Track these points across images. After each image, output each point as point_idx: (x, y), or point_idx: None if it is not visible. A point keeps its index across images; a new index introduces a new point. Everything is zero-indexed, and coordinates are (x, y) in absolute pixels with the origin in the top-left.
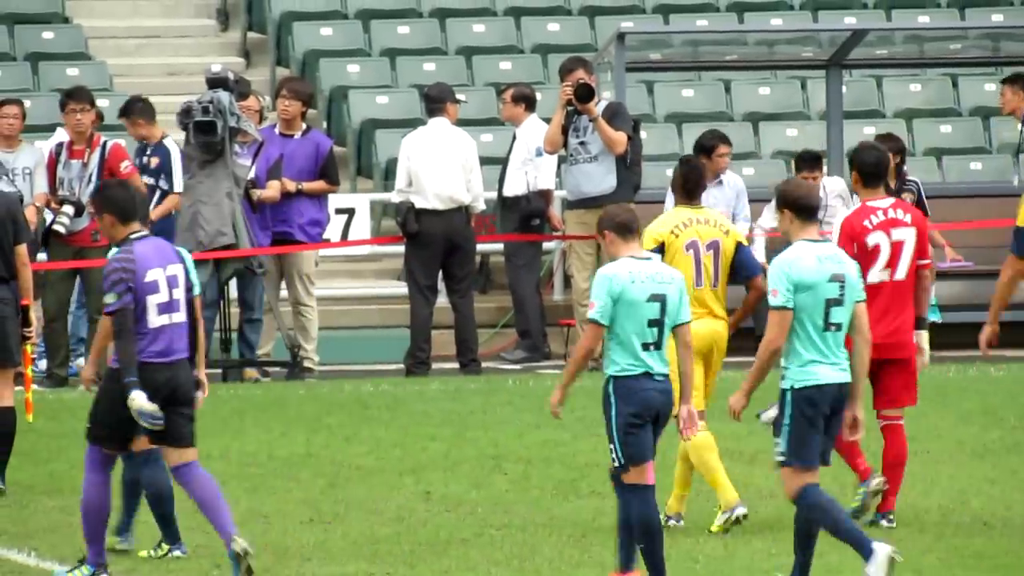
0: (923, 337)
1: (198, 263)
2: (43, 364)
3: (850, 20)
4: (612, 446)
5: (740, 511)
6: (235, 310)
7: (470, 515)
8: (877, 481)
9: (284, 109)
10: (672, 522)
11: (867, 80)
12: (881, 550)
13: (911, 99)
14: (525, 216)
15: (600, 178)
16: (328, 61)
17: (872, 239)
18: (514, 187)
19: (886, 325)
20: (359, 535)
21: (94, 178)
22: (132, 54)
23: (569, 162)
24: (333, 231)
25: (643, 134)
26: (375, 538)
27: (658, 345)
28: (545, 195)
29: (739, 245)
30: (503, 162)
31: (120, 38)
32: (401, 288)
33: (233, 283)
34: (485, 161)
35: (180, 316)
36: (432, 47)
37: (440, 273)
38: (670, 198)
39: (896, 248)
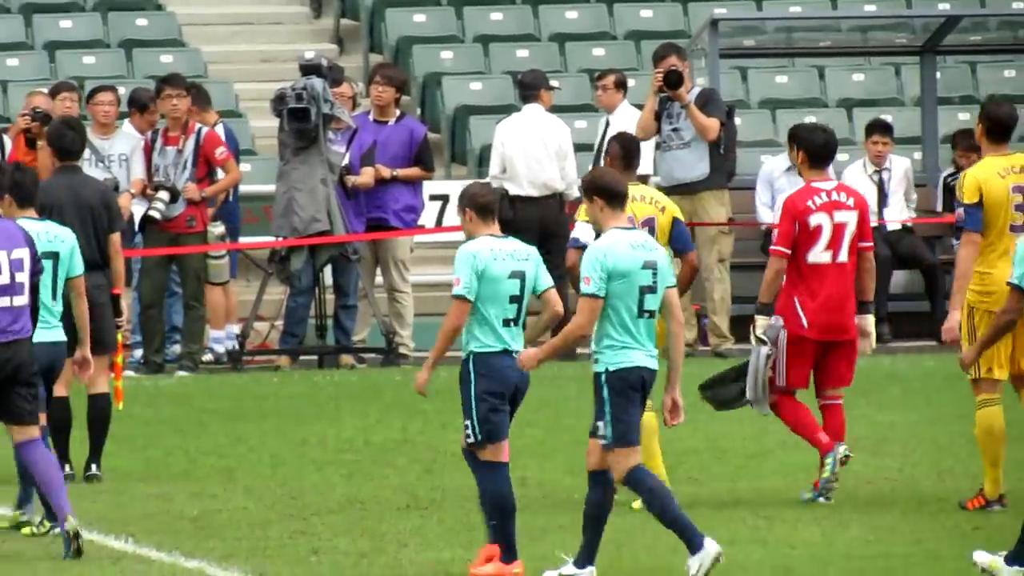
0: (867, 320)
1: (294, 249)
2: (138, 352)
3: (944, 6)
4: (468, 422)
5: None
6: (330, 296)
7: (566, 501)
8: (843, 449)
9: (378, 96)
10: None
11: (961, 66)
12: (711, 547)
13: (1006, 85)
14: None
15: (692, 164)
16: (421, 48)
17: (814, 219)
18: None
19: (828, 308)
20: (455, 521)
21: (189, 165)
22: (226, 41)
23: (662, 148)
24: (428, 217)
25: (737, 120)
26: (471, 524)
27: (517, 321)
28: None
29: (675, 220)
30: (597, 148)
31: (214, 25)
32: None
33: (328, 270)
34: (579, 148)
35: (21, 299)
36: (525, 33)
37: None
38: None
39: (838, 230)
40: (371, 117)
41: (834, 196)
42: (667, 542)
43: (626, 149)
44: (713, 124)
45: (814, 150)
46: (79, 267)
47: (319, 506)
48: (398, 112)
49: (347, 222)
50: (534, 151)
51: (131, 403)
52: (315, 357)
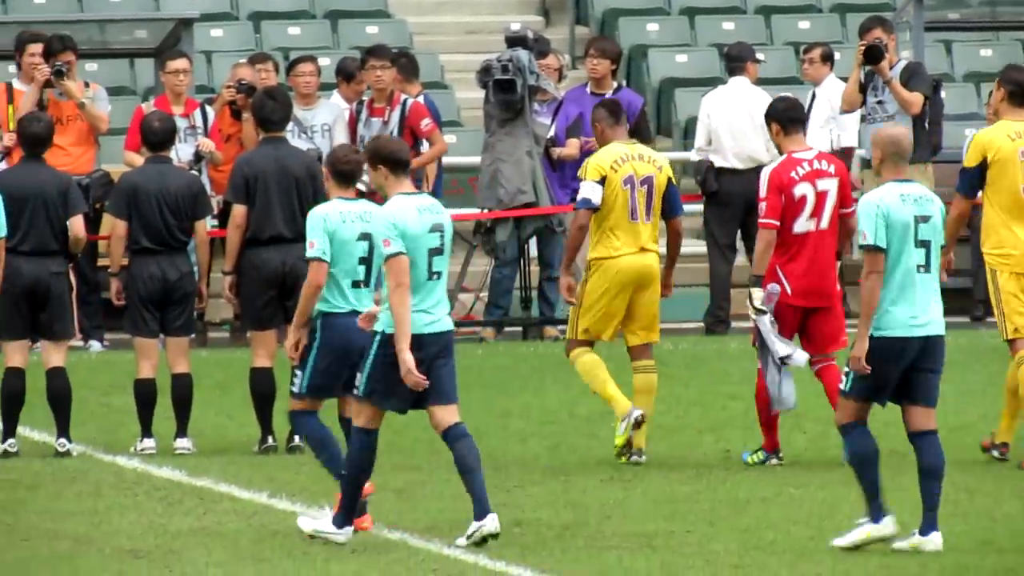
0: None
1: (499, 221)
2: None
3: None
4: (300, 373)
5: (636, 414)
6: (535, 268)
7: (769, 473)
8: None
9: (593, 68)
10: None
11: None
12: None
13: None
14: None
15: None
16: (627, 20)
17: (799, 190)
18: (815, 145)
19: (812, 274)
20: (659, 493)
21: (395, 136)
22: (432, 12)
23: (867, 121)
24: None
25: (942, 94)
26: (674, 496)
27: (367, 283)
28: (847, 153)
29: (670, 182)
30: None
31: None
32: (700, 247)
33: (533, 241)
34: None
35: None
36: (731, 6)
37: (739, 232)
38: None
39: (821, 198)
40: (588, 90)
41: (816, 165)
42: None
43: (609, 109)
44: (915, 99)
45: (784, 116)
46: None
47: (522, 478)
48: (615, 84)
49: (552, 193)
50: (740, 124)
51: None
52: (519, 329)
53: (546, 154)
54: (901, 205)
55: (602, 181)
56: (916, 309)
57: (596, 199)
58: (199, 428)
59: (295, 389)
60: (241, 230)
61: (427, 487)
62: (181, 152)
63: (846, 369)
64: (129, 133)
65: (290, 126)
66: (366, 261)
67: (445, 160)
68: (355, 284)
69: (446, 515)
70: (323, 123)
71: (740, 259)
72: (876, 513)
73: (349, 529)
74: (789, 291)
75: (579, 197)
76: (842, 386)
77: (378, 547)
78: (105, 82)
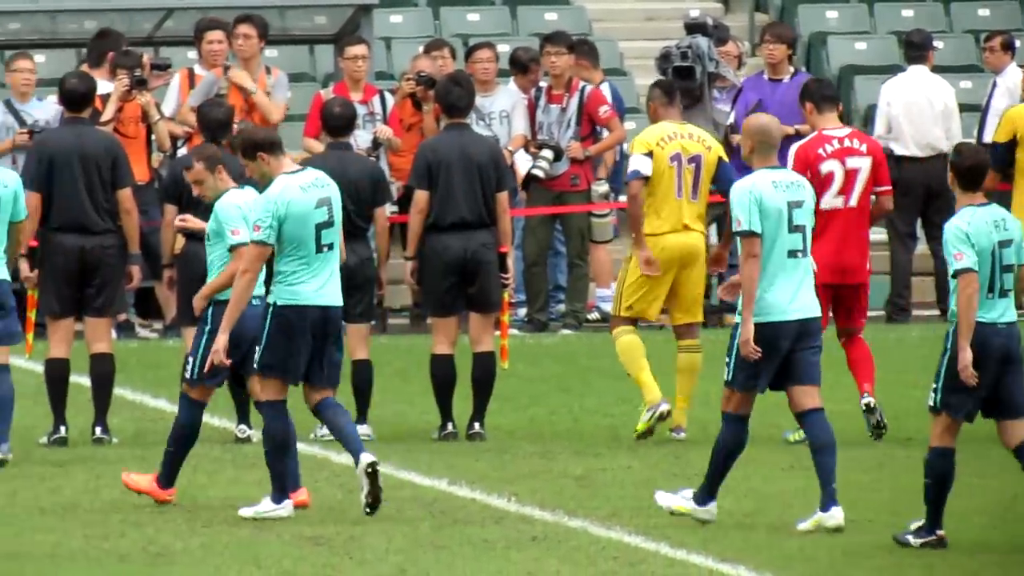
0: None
1: None
2: (523, 311)
3: None
4: (192, 358)
5: (663, 408)
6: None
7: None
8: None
9: (770, 53)
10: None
11: None
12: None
13: None
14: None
15: None
16: (806, 7)
17: (826, 167)
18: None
19: (840, 251)
20: (840, 482)
21: (572, 123)
22: None
23: None
24: None
25: None
26: (856, 484)
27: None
28: None
29: (720, 160)
30: (982, 109)
31: None
32: (880, 234)
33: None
34: (963, 108)
35: None
36: None
37: (919, 220)
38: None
39: (850, 175)
40: (766, 76)
41: (846, 143)
42: None
43: (663, 88)
44: None
45: (817, 96)
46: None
47: (703, 466)
48: (792, 69)
49: (732, 180)
50: (920, 111)
51: (515, 361)
52: None
53: (725, 141)
54: (773, 191)
55: (650, 155)
56: (791, 294)
57: (645, 169)
58: (379, 415)
59: (187, 375)
60: (423, 215)
61: (608, 474)
62: (360, 139)
63: (727, 359)
64: (308, 119)
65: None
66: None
67: (624, 147)
68: None
69: (627, 502)
70: (501, 110)
71: (921, 247)
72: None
73: (288, 503)
74: (815, 268)
75: (628, 170)
76: (725, 376)
77: (559, 535)
78: (284, 68)
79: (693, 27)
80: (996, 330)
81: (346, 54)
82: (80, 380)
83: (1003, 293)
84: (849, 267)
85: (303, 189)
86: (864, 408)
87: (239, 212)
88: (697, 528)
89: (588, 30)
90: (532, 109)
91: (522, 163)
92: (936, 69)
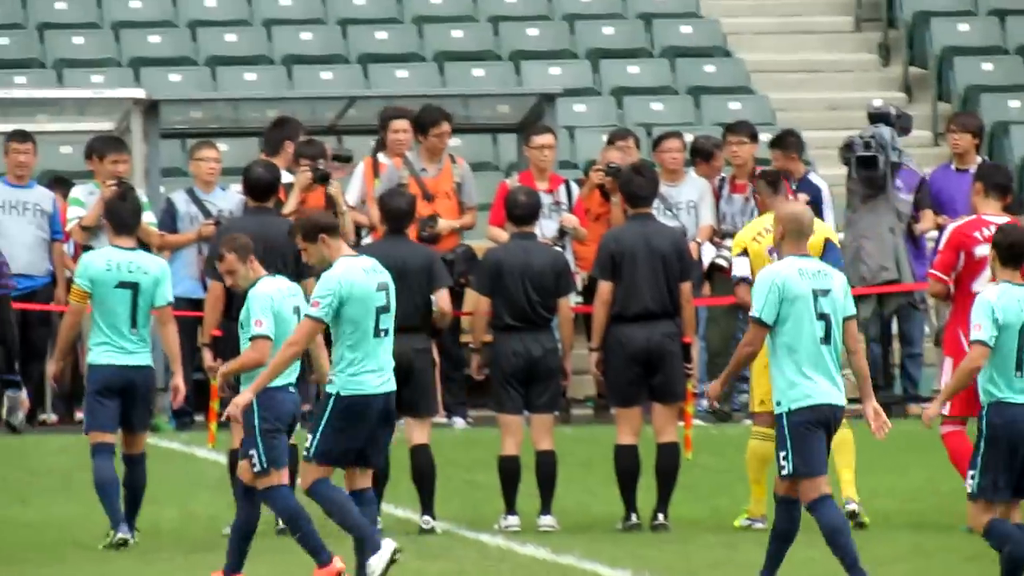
0: None
1: (861, 298)
2: (706, 402)
3: None
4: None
5: (760, 526)
6: (897, 346)
7: None
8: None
9: (955, 143)
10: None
11: None
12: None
13: None
14: None
15: None
16: (989, 96)
17: (980, 250)
18: None
19: None
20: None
21: (755, 213)
22: (794, 88)
23: None
24: None
25: None
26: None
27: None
28: None
29: (827, 242)
30: None
31: (782, 72)
32: None
33: (895, 318)
34: None
35: None
36: None
37: None
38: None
39: None
40: (952, 166)
41: None
42: None
43: (768, 179)
44: None
45: (991, 182)
46: (164, 297)
47: (885, 555)
48: (979, 159)
49: (914, 269)
50: None
51: (699, 452)
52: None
53: (908, 231)
54: (799, 279)
55: (744, 253)
56: (823, 380)
57: (741, 271)
58: (563, 505)
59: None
60: (607, 307)
61: (790, 565)
62: (545, 228)
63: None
64: (493, 208)
65: (656, 203)
66: None
67: None
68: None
69: None
70: (688, 200)
71: None
72: None
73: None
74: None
75: (733, 272)
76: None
77: None
78: (467, 157)
79: (877, 117)
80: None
81: (532, 143)
82: None
83: None
84: None
85: (365, 272)
86: None
87: (269, 302)
88: None
89: (772, 119)
90: (715, 198)
91: (706, 253)
92: None
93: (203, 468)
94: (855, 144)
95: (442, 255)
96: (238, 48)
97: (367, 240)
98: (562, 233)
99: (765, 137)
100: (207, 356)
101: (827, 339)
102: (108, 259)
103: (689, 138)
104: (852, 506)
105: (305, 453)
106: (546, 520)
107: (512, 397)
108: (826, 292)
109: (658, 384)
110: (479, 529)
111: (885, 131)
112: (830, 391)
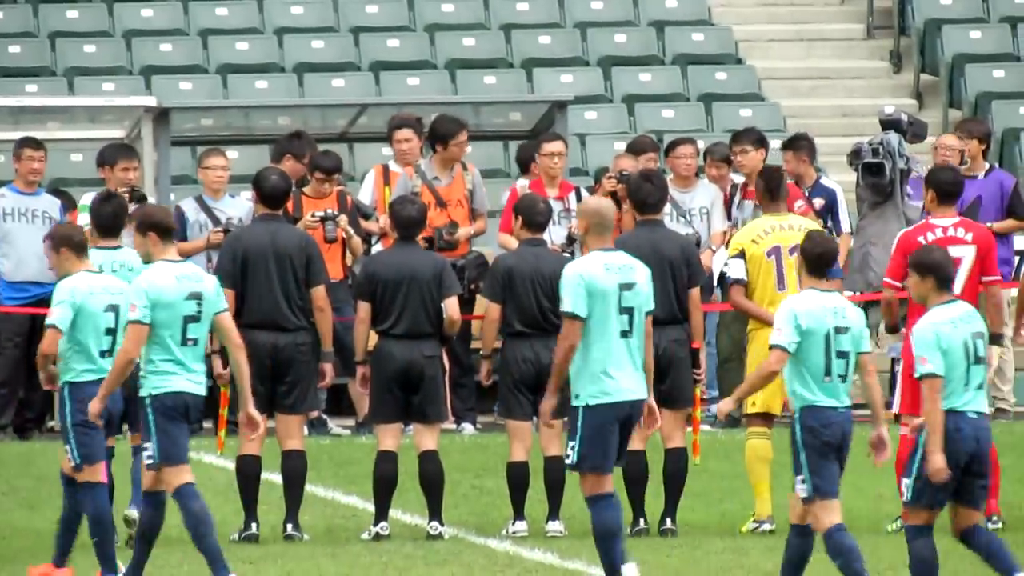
0: (992, 351)
1: (868, 304)
2: (715, 407)
3: None
4: (68, 447)
5: (768, 527)
6: None
7: None
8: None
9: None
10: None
11: None
12: None
13: None
14: None
15: None
16: (1000, 103)
17: None
18: None
19: None
20: None
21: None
22: (805, 95)
23: None
24: None
25: None
26: None
27: (112, 352)
28: None
29: None
30: None
31: (794, 79)
32: None
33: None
34: None
35: None
36: None
37: None
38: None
39: (953, 265)
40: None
41: (951, 232)
42: None
43: (767, 184)
44: None
45: (942, 188)
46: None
47: (891, 560)
48: (987, 165)
49: None
50: None
51: (707, 457)
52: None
53: None
54: (604, 274)
55: (741, 255)
56: (624, 374)
57: (736, 273)
58: (570, 511)
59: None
60: None
61: None
62: (554, 234)
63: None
64: (504, 215)
65: (667, 208)
66: (112, 332)
67: None
68: (102, 354)
69: None
70: (701, 206)
71: None
72: None
73: None
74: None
75: (728, 274)
76: (568, 461)
77: None
78: (479, 164)
79: (888, 123)
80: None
81: (543, 150)
82: (271, 477)
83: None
84: None
85: (177, 279)
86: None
87: (68, 295)
88: None
89: (782, 126)
90: (727, 205)
91: (717, 259)
92: None
93: (211, 474)
94: (862, 151)
95: (452, 261)
96: (249, 56)
97: (377, 248)
98: (571, 240)
99: (777, 144)
100: (216, 364)
101: (630, 333)
102: (90, 283)
103: (702, 145)
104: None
105: (150, 462)
106: (554, 526)
107: (521, 403)
108: (631, 286)
109: (666, 390)
110: (487, 535)
111: (893, 138)
112: (631, 386)
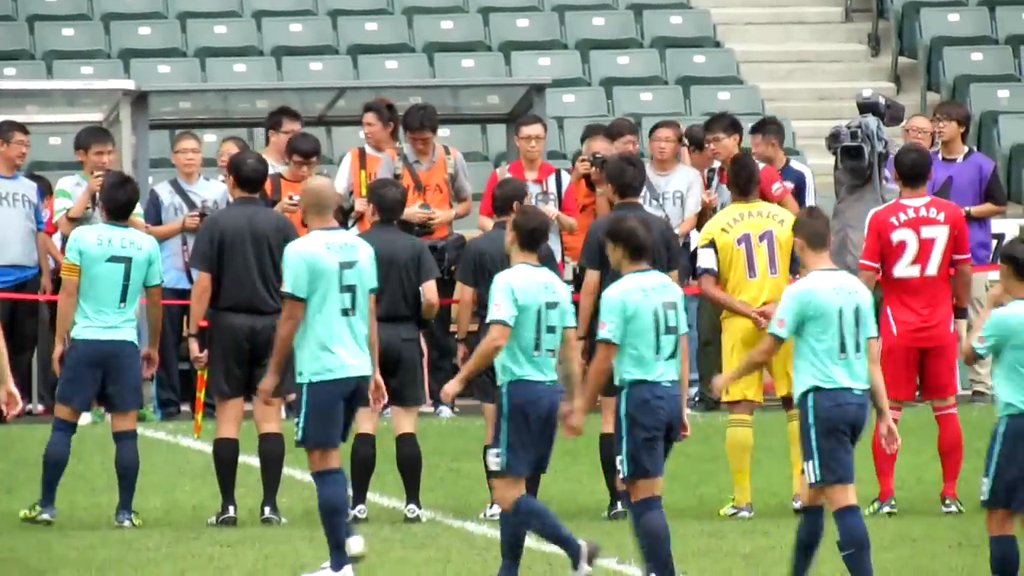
0: (961, 326)
1: None
2: (693, 390)
3: None
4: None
5: (746, 514)
6: None
7: None
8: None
9: (940, 131)
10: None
11: None
12: None
13: None
14: None
15: None
16: (978, 86)
17: (897, 235)
18: None
19: (920, 316)
20: None
21: None
22: (783, 79)
23: None
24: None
25: None
26: None
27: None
28: None
29: None
30: None
31: (772, 63)
32: None
33: None
34: None
35: None
36: None
37: None
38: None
39: (925, 245)
40: (939, 156)
41: (922, 212)
42: None
43: (735, 177)
44: None
45: (904, 171)
46: (157, 276)
47: (874, 541)
48: (966, 148)
49: None
50: None
51: (685, 440)
52: None
53: None
54: (327, 253)
55: (711, 245)
56: (348, 351)
57: (706, 263)
58: (549, 494)
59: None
60: (593, 296)
61: (776, 552)
62: None
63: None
64: (483, 198)
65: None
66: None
67: None
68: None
69: None
70: (675, 190)
71: None
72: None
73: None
74: (895, 332)
75: (698, 264)
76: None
77: None
78: (458, 147)
79: (865, 106)
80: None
81: (521, 133)
82: (249, 460)
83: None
84: (932, 334)
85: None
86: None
87: None
88: None
89: (761, 109)
90: (705, 189)
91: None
92: None
93: (188, 457)
94: (841, 134)
95: (432, 243)
96: (228, 39)
97: (354, 230)
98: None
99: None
100: (193, 346)
101: (352, 311)
102: (99, 234)
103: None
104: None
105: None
106: None
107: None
108: (351, 264)
109: None
110: (464, 517)
111: (872, 121)
112: (353, 363)
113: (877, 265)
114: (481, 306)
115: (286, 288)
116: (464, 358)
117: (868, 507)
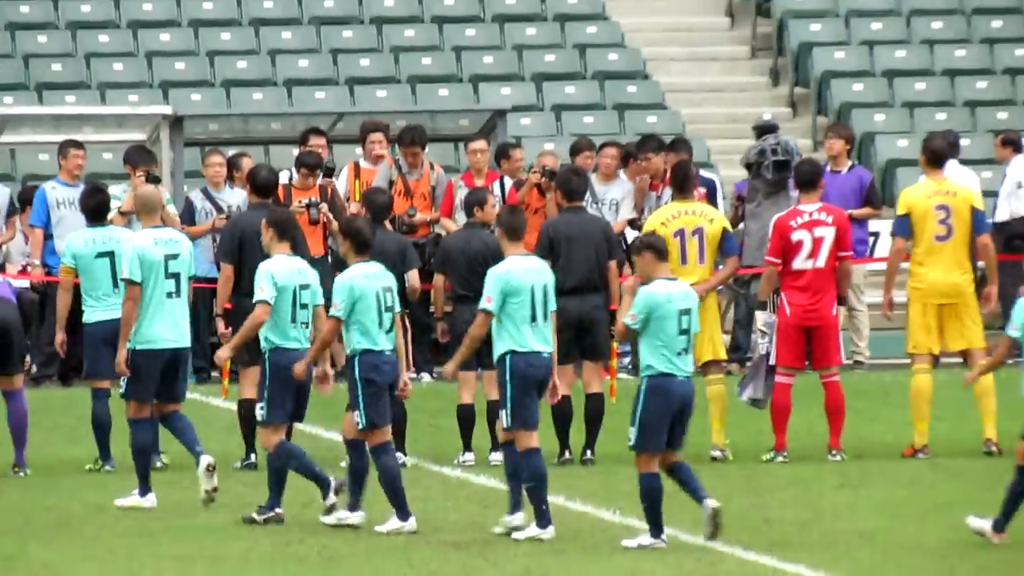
0: (841, 310)
1: (757, 275)
2: (626, 359)
3: None
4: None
5: (716, 454)
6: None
7: (972, 484)
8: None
9: (829, 146)
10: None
11: None
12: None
13: None
14: (1008, 237)
15: None
16: (859, 111)
17: (796, 236)
18: (1001, 214)
19: (810, 301)
20: (881, 498)
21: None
22: (699, 105)
23: None
24: (882, 249)
25: None
26: (893, 500)
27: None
28: None
29: (723, 230)
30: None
31: (691, 92)
32: None
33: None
34: (988, 194)
35: None
36: (943, 100)
37: None
38: None
39: (817, 243)
40: (828, 168)
41: (815, 216)
42: None
43: (675, 179)
44: None
45: (800, 178)
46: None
47: (772, 484)
48: (850, 162)
49: None
50: None
51: (622, 399)
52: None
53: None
54: (153, 246)
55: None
56: (168, 327)
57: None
58: None
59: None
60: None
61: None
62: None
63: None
64: (443, 202)
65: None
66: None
67: None
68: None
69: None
70: (612, 198)
71: None
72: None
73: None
74: (788, 313)
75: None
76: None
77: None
78: (434, 160)
79: (764, 128)
80: None
81: (469, 148)
82: None
83: None
84: (818, 314)
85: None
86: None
87: None
88: (764, 535)
89: (682, 131)
90: (640, 197)
91: (630, 236)
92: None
93: (218, 414)
94: (767, 151)
95: (415, 241)
96: (248, 73)
97: None
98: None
99: None
100: (220, 324)
101: (176, 293)
102: (86, 237)
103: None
104: (716, 452)
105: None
106: (496, 456)
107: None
108: (175, 256)
109: (588, 345)
110: (442, 463)
111: (791, 140)
112: (173, 335)
113: (779, 261)
114: (451, 289)
115: (124, 276)
116: (443, 333)
117: (766, 455)
